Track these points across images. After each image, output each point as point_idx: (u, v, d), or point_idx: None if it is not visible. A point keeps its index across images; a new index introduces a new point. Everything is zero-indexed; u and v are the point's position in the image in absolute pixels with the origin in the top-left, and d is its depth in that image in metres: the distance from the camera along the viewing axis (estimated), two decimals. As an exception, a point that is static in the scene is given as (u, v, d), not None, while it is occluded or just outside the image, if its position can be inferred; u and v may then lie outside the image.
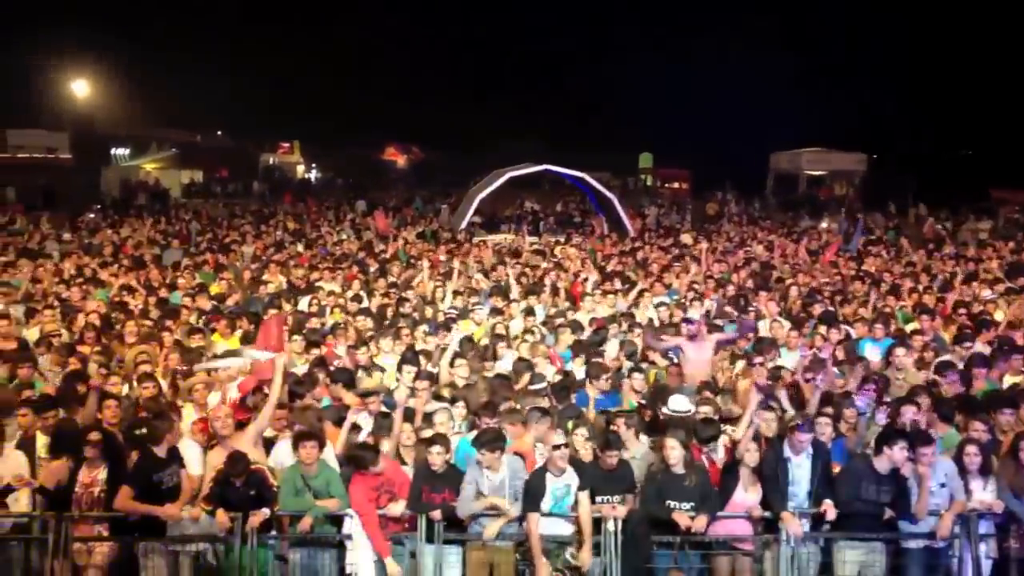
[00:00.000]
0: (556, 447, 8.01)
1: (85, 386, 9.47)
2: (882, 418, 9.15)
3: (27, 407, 8.78)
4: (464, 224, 27.43)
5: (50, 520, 7.75)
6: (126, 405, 9.34)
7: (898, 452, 7.90)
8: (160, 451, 8.08)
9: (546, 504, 7.95)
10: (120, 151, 58.65)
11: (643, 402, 9.94)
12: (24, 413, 8.70)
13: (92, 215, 29.28)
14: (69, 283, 15.43)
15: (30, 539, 7.88)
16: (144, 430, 8.22)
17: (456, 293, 15.43)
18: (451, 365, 10.89)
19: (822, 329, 12.53)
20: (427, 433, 8.68)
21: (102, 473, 8.01)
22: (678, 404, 9.17)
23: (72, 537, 7.80)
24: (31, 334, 12.16)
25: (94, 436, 8.01)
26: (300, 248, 21.49)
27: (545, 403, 9.46)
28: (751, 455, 8.14)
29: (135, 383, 10.09)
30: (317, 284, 16.26)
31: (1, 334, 11.44)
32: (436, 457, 8.07)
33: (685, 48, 77.31)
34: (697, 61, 75.45)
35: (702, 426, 8.71)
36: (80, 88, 51.39)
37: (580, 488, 7.97)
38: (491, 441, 7.98)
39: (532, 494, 7.90)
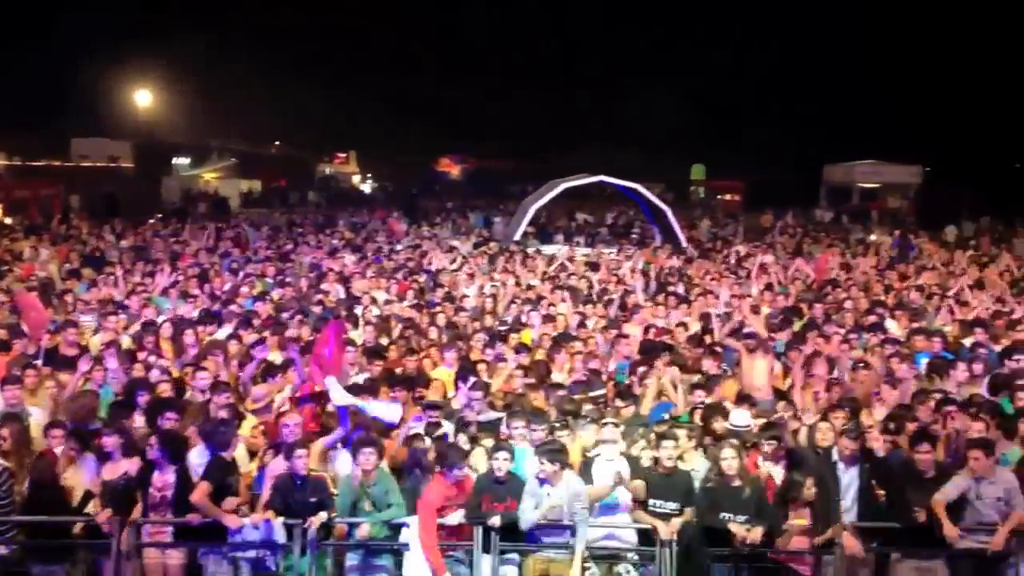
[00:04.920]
0: (604, 425, 8.29)
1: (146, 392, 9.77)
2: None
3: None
4: (518, 235, 27.52)
5: (115, 524, 7.95)
6: (192, 412, 9.54)
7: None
8: (228, 456, 8.32)
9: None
10: (181, 160, 59.78)
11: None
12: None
13: (152, 221, 29.83)
14: (131, 292, 15.71)
15: (96, 543, 8.12)
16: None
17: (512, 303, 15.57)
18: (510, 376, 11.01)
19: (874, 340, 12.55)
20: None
21: (171, 476, 8.19)
22: (739, 419, 9.20)
23: (140, 542, 8.06)
24: (94, 341, 12.44)
25: (154, 439, 8.24)
26: (351, 257, 21.70)
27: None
28: (809, 491, 8.06)
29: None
30: (366, 293, 16.42)
31: (68, 342, 11.74)
32: (502, 464, 8.09)
33: (735, 58, 76.74)
34: (748, 70, 74.89)
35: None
36: (143, 98, 52.46)
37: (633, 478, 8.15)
38: (555, 452, 8.05)
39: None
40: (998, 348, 12.66)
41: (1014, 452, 8.67)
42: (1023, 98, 58.52)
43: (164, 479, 8.16)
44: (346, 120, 75.16)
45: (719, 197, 59.57)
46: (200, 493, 7.97)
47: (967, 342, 12.92)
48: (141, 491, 8.13)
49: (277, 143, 78.53)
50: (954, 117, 63.08)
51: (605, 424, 8.36)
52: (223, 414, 9.12)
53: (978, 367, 11.31)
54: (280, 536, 8.05)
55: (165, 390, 10.03)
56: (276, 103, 69.55)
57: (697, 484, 8.37)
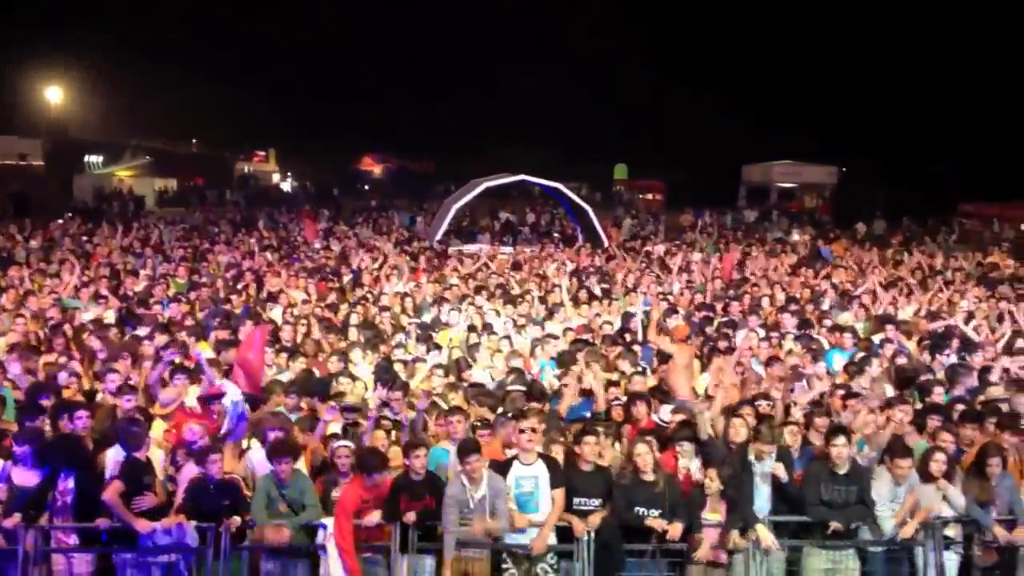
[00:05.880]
0: (523, 431, 8.03)
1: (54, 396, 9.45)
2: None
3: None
4: (440, 234, 27.45)
5: (21, 531, 7.71)
6: (101, 415, 9.27)
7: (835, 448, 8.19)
8: (141, 456, 8.11)
9: (511, 496, 7.98)
10: (93, 158, 58.19)
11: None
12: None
13: (61, 221, 28.99)
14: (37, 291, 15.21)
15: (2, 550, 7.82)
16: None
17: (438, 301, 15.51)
18: (428, 375, 10.92)
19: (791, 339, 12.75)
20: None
21: (72, 482, 7.98)
22: (664, 414, 9.26)
23: (48, 547, 7.81)
24: (1, 343, 12.03)
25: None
26: (270, 257, 21.35)
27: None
28: (713, 483, 8.13)
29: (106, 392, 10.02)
30: (281, 292, 16.13)
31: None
32: (419, 460, 8.00)
33: (658, 61, 77.89)
34: (670, 72, 76.08)
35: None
36: (54, 95, 51.01)
37: (554, 486, 7.98)
38: (474, 450, 7.91)
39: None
40: (910, 344, 13.02)
41: (920, 445, 8.89)
42: (938, 101, 60.52)
43: (65, 483, 7.96)
44: (265, 118, 74.20)
45: (641, 196, 60.24)
46: (111, 492, 7.79)
47: (877, 338, 13.24)
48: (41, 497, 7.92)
49: (194, 141, 76.96)
50: (870, 119, 64.92)
51: (523, 431, 8.26)
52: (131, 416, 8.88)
53: (901, 361, 11.64)
54: (192, 540, 7.86)
55: (72, 393, 9.73)
56: (192, 100, 68.25)
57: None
